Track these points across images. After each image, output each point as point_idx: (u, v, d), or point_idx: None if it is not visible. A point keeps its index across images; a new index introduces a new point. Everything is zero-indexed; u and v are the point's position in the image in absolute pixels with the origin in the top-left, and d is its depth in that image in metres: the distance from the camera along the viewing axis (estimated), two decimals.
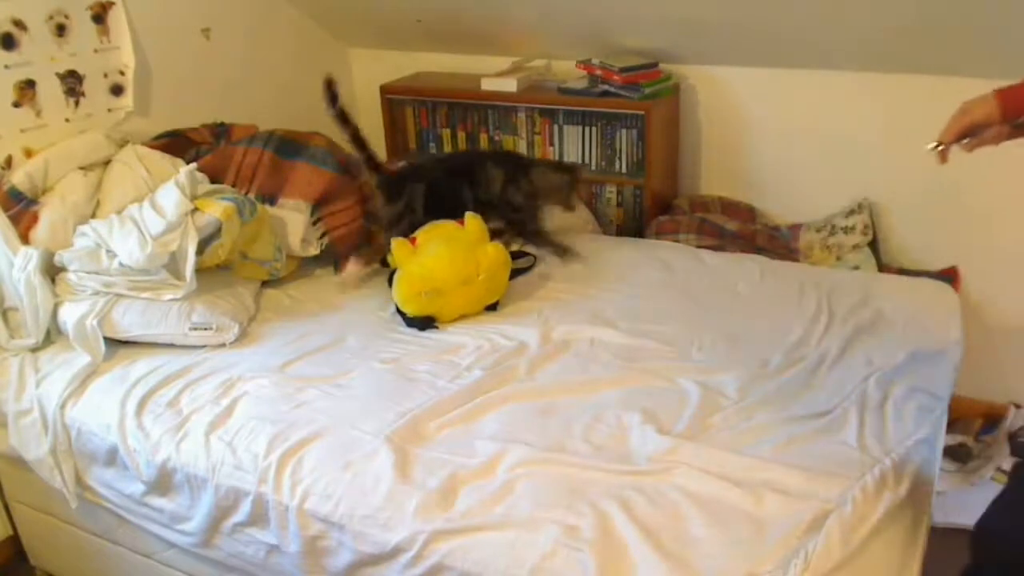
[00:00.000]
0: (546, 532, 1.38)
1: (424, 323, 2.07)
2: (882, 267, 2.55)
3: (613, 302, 2.16)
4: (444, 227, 2.19)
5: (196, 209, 2.07)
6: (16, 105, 2.20)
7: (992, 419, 2.57)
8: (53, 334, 2.05)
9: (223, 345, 2.02)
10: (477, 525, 1.42)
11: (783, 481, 1.44)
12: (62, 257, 2.05)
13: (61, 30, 2.26)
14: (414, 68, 3.20)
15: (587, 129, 2.83)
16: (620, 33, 2.69)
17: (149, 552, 1.91)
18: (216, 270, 2.17)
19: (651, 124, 2.67)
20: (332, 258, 2.43)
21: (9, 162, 2.19)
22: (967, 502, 2.22)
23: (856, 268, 2.52)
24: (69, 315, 1.98)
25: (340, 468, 1.56)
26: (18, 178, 2.12)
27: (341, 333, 2.05)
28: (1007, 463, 2.40)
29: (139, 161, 2.26)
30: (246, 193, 2.31)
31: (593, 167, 2.88)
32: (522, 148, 2.96)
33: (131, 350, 2.00)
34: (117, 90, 2.46)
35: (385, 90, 3.10)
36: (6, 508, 2.23)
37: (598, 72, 2.75)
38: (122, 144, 2.33)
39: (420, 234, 2.17)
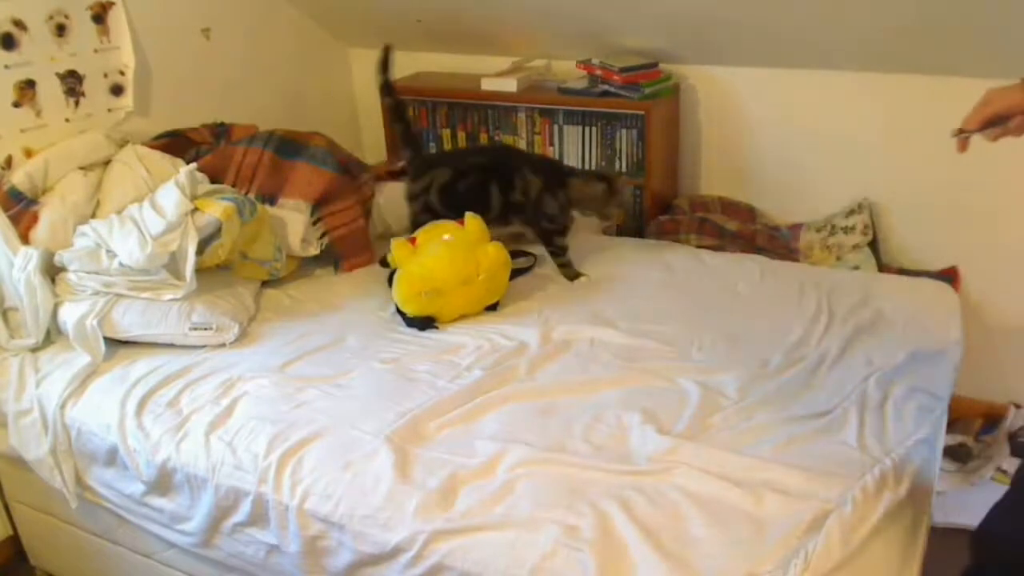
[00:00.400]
0: (546, 532, 1.38)
1: (424, 323, 2.06)
2: (882, 267, 2.55)
3: (613, 302, 2.16)
4: (444, 227, 2.19)
5: (196, 209, 2.07)
6: (16, 105, 2.20)
7: (992, 419, 2.57)
8: (53, 334, 2.05)
9: (223, 345, 2.02)
10: (477, 525, 1.42)
11: (783, 481, 1.44)
12: (62, 257, 2.05)
13: (61, 30, 2.26)
14: (414, 68, 3.20)
15: (587, 129, 2.83)
16: (620, 33, 2.69)
17: (149, 552, 1.91)
18: (216, 270, 2.17)
19: (651, 124, 2.67)
20: (332, 258, 2.43)
21: (9, 162, 2.19)
22: (967, 502, 2.22)
23: (856, 268, 2.52)
24: (69, 315, 1.98)
25: (340, 468, 1.56)
26: (18, 178, 2.12)
27: (341, 333, 2.05)
28: (1007, 463, 2.40)
29: (139, 161, 2.26)
30: (246, 193, 2.31)
31: (593, 167, 2.88)
32: (522, 148, 2.96)
33: (131, 350, 2.00)
34: (117, 90, 2.46)
35: None
36: (6, 508, 2.23)
37: (598, 72, 2.75)
38: (122, 144, 2.32)
39: (420, 234, 2.17)
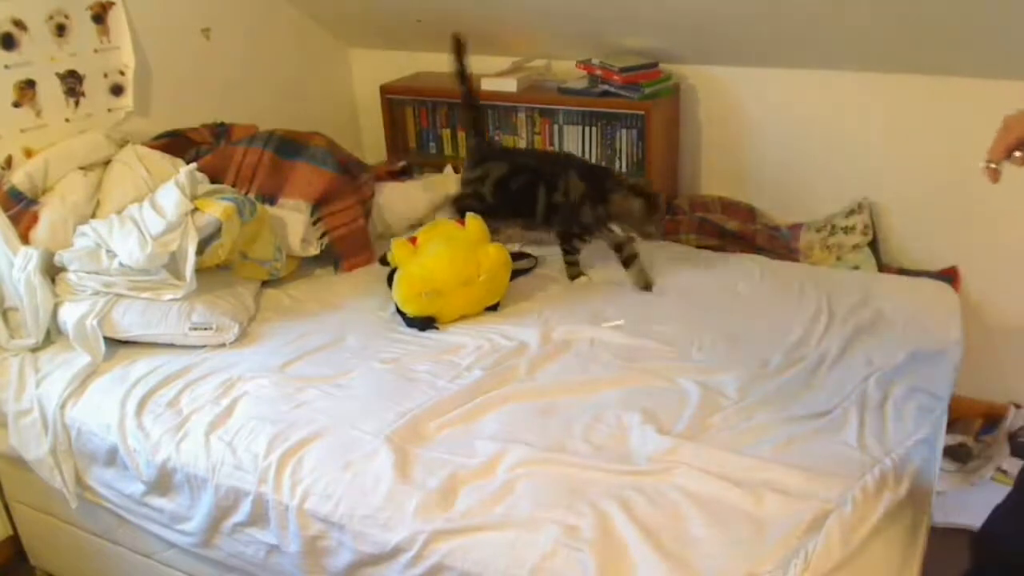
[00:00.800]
0: (546, 532, 1.38)
1: (424, 323, 2.06)
2: (882, 267, 2.55)
3: (613, 302, 2.16)
4: (445, 227, 2.19)
5: (196, 209, 2.07)
6: (16, 105, 2.20)
7: (992, 419, 2.57)
8: (53, 334, 2.05)
9: (223, 345, 2.02)
10: (477, 525, 1.42)
11: (783, 481, 1.44)
12: (62, 257, 2.05)
13: (61, 30, 2.26)
14: (414, 68, 3.20)
15: (587, 129, 2.83)
16: (620, 33, 2.69)
17: (149, 552, 1.91)
18: (216, 270, 2.17)
19: (651, 124, 2.67)
20: (332, 258, 2.43)
21: (9, 162, 2.19)
22: (967, 502, 2.22)
23: (856, 268, 2.52)
24: (69, 315, 1.98)
25: (340, 468, 1.56)
26: (18, 178, 2.12)
27: (341, 333, 2.05)
28: (1007, 463, 2.40)
29: (139, 161, 2.26)
30: (246, 193, 2.31)
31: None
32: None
33: (131, 350, 2.00)
34: (117, 90, 2.46)
35: (385, 90, 3.10)
36: (6, 508, 2.23)
37: (598, 72, 2.75)
38: (122, 144, 2.33)
39: (420, 234, 2.17)
